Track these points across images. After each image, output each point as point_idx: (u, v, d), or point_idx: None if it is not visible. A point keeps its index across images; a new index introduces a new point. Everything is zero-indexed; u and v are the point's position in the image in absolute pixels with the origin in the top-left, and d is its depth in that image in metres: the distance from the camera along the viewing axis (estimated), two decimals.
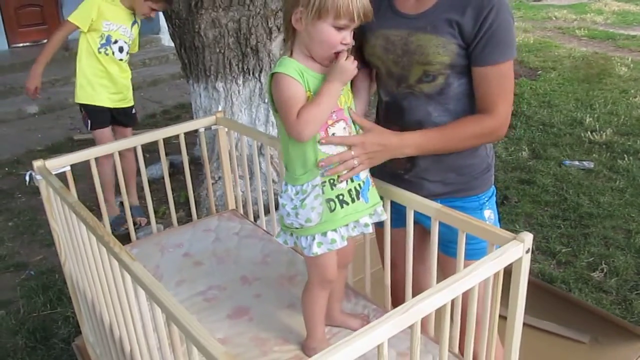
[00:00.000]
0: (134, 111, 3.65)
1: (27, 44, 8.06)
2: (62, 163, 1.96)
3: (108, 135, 3.46)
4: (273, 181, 3.32)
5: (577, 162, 4.33)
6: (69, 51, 7.77)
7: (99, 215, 1.91)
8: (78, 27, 3.27)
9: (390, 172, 1.60)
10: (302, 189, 1.39)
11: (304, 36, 1.35)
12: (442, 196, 1.60)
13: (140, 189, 3.64)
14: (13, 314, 2.88)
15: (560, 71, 6.86)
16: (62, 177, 1.88)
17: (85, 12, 3.25)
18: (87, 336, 2.13)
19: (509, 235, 1.27)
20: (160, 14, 3.63)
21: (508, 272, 1.27)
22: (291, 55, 1.39)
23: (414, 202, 1.52)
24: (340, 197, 1.40)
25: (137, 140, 2.22)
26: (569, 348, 2.36)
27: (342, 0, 1.28)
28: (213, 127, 2.32)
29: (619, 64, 7.01)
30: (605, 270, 2.99)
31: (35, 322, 2.80)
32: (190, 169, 2.44)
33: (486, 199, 1.65)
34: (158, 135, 2.25)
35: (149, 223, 2.64)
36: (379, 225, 1.70)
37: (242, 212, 2.48)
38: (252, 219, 2.42)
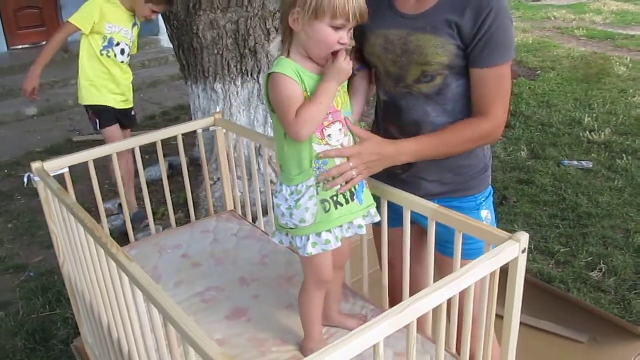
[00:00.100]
0: (133, 113, 3.66)
1: (26, 46, 8.07)
2: (60, 165, 1.96)
3: (118, 134, 3.46)
4: (271, 182, 3.32)
5: (576, 162, 4.34)
6: (68, 53, 7.79)
7: (97, 217, 1.91)
8: (79, 29, 3.26)
9: (387, 172, 1.60)
10: (297, 189, 1.40)
11: (301, 36, 1.36)
12: (439, 196, 1.60)
13: (139, 190, 3.65)
14: (12, 315, 2.88)
15: (559, 71, 6.87)
16: (60, 179, 1.88)
17: (87, 14, 3.24)
18: (86, 337, 2.13)
19: (505, 235, 1.28)
20: (160, 15, 3.63)
21: (506, 271, 1.27)
22: (288, 55, 1.39)
23: (411, 202, 1.52)
24: (335, 198, 1.41)
25: (135, 141, 2.22)
26: (567, 348, 2.36)
27: (338, 0, 1.28)
28: (211, 129, 2.33)
29: (617, 63, 7.02)
30: (603, 270, 2.99)
31: (35, 323, 2.80)
32: (189, 170, 2.45)
33: (483, 199, 1.65)
34: (156, 136, 2.25)
35: (147, 224, 2.64)
36: (377, 225, 1.71)
37: (240, 213, 2.49)
38: (251, 220, 2.42)
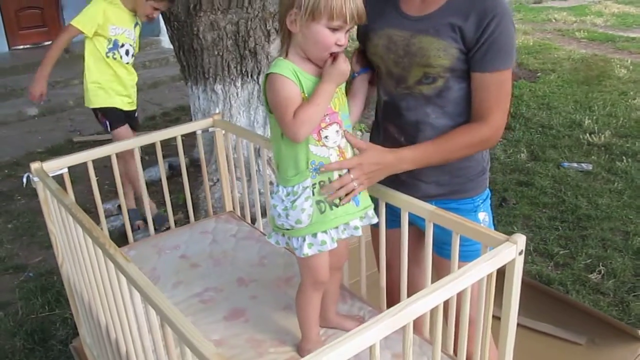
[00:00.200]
0: (136, 114, 3.66)
1: (28, 46, 8.09)
2: (59, 165, 1.96)
3: (129, 134, 3.44)
4: (270, 183, 3.32)
5: (575, 164, 4.34)
6: (69, 54, 7.77)
7: (96, 218, 1.92)
8: (82, 32, 3.24)
9: None
10: (293, 190, 1.41)
11: (299, 38, 1.36)
12: (437, 197, 1.61)
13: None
14: (11, 315, 2.88)
15: (559, 73, 6.87)
16: (60, 179, 1.89)
17: (90, 17, 3.22)
18: (85, 338, 2.13)
19: (502, 237, 1.28)
20: (160, 16, 3.63)
21: (503, 273, 1.28)
22: (286, 56, 1.40)
23: (409, 204, 1.53)
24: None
25: (135, 142, 2.23)
26: (565, 350, 2.36)
27: (335, 1, 1.29)
28: (210, 130, 2.33)
29: (618, 66, 7.02)
30: (602, 272, 2.99)
31: (34, 323, 2.81)
32: (189, 171, 2.46)
33: (481, 201, 1.65)
34: (155, 137, 2.25)
35: (146, 225, 2.64)
36: (375, 226, 1.71)
37: (239, 214, 2.49)
38: (250, 221, 2.43)
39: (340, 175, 1.42)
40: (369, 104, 1.69)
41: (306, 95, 1.36)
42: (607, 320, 2.45)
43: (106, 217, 2.95)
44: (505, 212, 3.66)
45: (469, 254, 1.45)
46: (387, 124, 1.63)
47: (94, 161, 2.07)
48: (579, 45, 8.47)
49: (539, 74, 6.89)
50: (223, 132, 2.34)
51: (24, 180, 1.92)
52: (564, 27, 9.72)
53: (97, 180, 2.12)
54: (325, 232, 1.42)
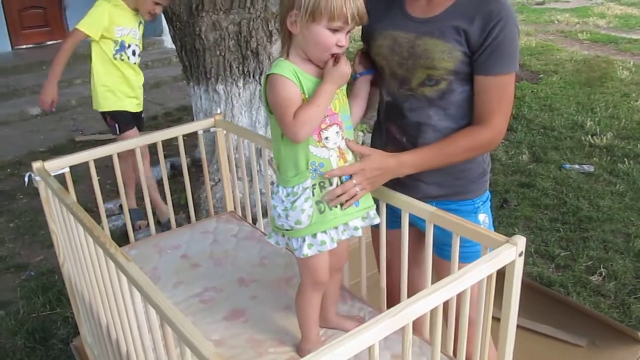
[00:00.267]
0: (142, 114, 3.66)
1: (30, 45, 8.10)
2: (61, 165, 1.97)
3: (137, 136, 3.44)
4: (272, 183, 3.33)
5: (577, 166, 4.33)
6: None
7: (97, 217, 1.92)
8: (88, 36, 3.21)
9: None
10: (293, 191, 1.41)
11: (300, 39, 1.37)
12: (437, 199, 1.61)
13: (138, 190, 3.66)
14: (13, 314, 2.89)
15: (561, 74, 6.86)
16: (61, 178, 1.89)
17: (95, 20, 3.19)
18: (85, 337, 2.14)
19: (502, 239, 1.28)
20: (162, 16, 3.63)
21: (504, 274, 1.28)
22: (287, 57, 1.40)
23: (410, 205, 1.53)
24: None
25: (136, 142, 2.23)
26: (566, 351, 2.36)
27: (335, 2, 1.29)
28: (212, 130, 2.34)
29: (620, 67, 7.01)
30: (603, 274, 2.99)
31: (35, 322, 2.81)
32: (191, 170, 2.46)
33: (481, 203, 1.66)
34: (157, 137, 2.26)
35: (148, 225, 2.65)
36: (375, 227, 1.71)
37: (240, 214, 2.49)
38: (251, 221, 2.43)
39: (341, 180, 1.42)
40: (372, 106, 1.69)
41: (306, 96, 1.36)
42: (607, 322, 2.45)
43: (107, 216, 2.96)
44: (506, 213, 3.66)
45: (469, 255, 1.46)
46: (389, 124, 1.63)
47: (95, 161, 2.08)
48: (581, 46, 8.46)
49: (541, 76, 6.89)
50: (224, 132, 2.34)
51: (26, 179, 1.92)
52: (567, 29, 9.71)
53: (98, 179, 2.12)
54: (324, 232, 1.42)
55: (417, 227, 1.68)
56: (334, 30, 1.33)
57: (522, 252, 1.26)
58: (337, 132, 1.41)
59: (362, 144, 4.26)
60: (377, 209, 1.57)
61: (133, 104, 3.46)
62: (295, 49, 1.39)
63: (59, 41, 8.23)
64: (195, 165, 4.32)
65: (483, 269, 1.21)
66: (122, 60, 3.33)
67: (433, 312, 1.18)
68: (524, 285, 1.34)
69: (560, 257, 3.16)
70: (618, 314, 2.68)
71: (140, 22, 3.41)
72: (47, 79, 3.31)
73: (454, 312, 1.43)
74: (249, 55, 3.40)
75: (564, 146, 4.74)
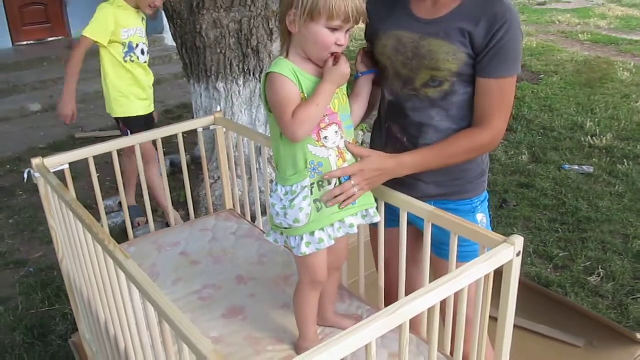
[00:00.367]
0: (153, 114, 3.65)
1: (31, 42, 8.10)
2: (60, 161, 1.97)
3: (148, 143, 3.41)
4: (271, 182, 3.34)
5: (576, 167, 4.33)
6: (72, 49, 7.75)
7: (96, 214, 1.92)
8: (96, 42, 3.17)
9: None
10: (292, 189, 1.41)
11: (299, 38, 1.37)
12: (436, 198, 1.61)
13: (138, 187, 3.67)
14: (11, 310, 2.89)
15: (562, 75, 6.86)
16: (61, 175, 1.90)
17: (101, 25, 3.15)
18: (84, 333, 2.14)
19: (500, 238, 1.28)
20: (163, 13, 3.63)
21: (501, 274, 1.28)
22: (287, 56, 1.40)
23: (408, 204, 1.53)
24: None
25: (136, 139, 2.23)
26: (564, 352, 2.36)
27: (334, 2, 1.29)
28: (211, 127, 2.34)
29: (621, 68, 7.01)
30: (602, 274, 3.00)
31: (34, 318, 2.82)
32: (191, 168, 2.46)
33: (479, 202, 1.66)
34: (157, 134, 2.26)
35: (147, 223, 2.65)
36: (374, 226, 1.72)
37: (240, 212, 2.50)
38: (250, 219, 2.43)
39: (340, 180, 1.43)
40: (374, 106, 1.69)
41: (305, 95, 1.37)
42: (605, 323, 2.45)
43: (107, 213, 2.96)
44: (505, 213, 3.66)
45: (467, 255, 1.46)
46: (391, 123, 1.64)
47: (95, 158, 2.08)
48: (582, 47, 8.46)
49: (541, 76, 6.89)
50: (224, 130, 2.34)
51: (26, 175, 1.93)
52: (568, 30, 9.71)
53: (98, 176, 2.13)
54: (322, 229, 1.43)
55: (416, 226, 1.68)
56: (333, 30, 1.33)
57: (520, 252, 1.26)
58: (336, 132, 1.42)
59: (362, 143, 4.27)
60: (377, 208, 1.57)
61: (145, 106, 3.43)
62: (295, 48, 1.40)
63: (59, 38, 8.24)
64: (195, 163, 4.32)
65: (481, 268, 1.21)
66: (133, 61, 3.29)
67: (431, 311, 1.19)
68: (521, 285, 1.35)
69: (559, 257, 3.16)
70: (616, 315, 2.69)
71: (143, 19, 3.39)
72: (63, 93, 3.26)
73: (452, 311, 1.43)
74: (250, 53, 3.41)
75: (564, 147, 4.74)
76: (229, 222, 2.38)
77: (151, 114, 3.55)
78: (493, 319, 1.32)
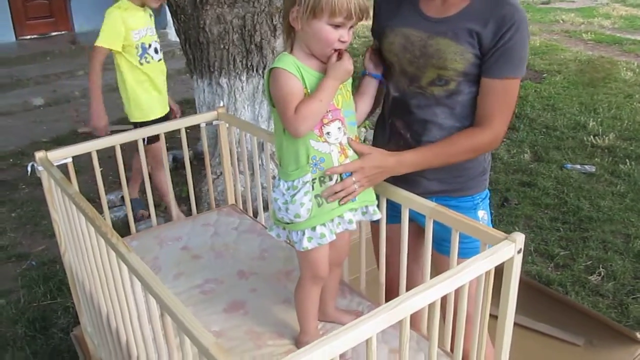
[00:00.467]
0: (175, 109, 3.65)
1: (35, 36, 8.11)
2: (63, 155, 1.98)
3: (162, 148, 3.40)
4: (273, 178, 3.35)
5: (578, 166, 4.33)
6: (75, 45, 7.78)
7: (99, 208, 1.93)
8: (111, 50, 3.14)
9: None
10: (293, 184, 1.42)
11: (302, 34, 1.37)
12: (438, 194, 1.62)
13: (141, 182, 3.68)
14: (13, 303, 2.91)
15: (565, 74, 6.85)
16: (64, 169, 1.90)
17: (112, 31, 3.11)
18: (86, 326, 2.15)
19: (501, 235, 1.29)
20: (167, 9, 3.63)
21: (501, 272, 1.28)
22: (291, 52, 1.41)
23: (410, 200, 1.54)
24: None
25: (138, 133, 2.24)
26: (563, 350, 2.36)
27: None
28: (214, 122, 2.34)
29: (624, 68, 7.00)
30: (602, 274, 3.00)
31: (35, 311, 2.83)
32: (193, 164, 2.47)
33: (480, 200, 1.67)
34: (160, 129, 2.27)
35: (149, 217, 2.66)
36: (375, 222, 1.72)
37: (242, 207, 2.50)
38: (252, 215, 2.44)
39: (341, 177, 1.43)
40: (379, 103, 1.70)
41: (309, 91, 1.37)
42: (605, 322, 2.46)
43: (109, 208, 2.97)
44: (507, 212, 3.67)
45: (468, 251, 1.46)
46: (395, 119, 1.64)
47: (97, 152, 2.09)
48: (585, 47, 8.44)
49: (544, 75, 6.88)
50: (227, 125, 2.35)
51: (29, 169, 1.93)
52: (571, 29, 9.68)
53: (100, 171, 2.13)
54: (323, 224, 1.44)
55: (417, 223, 1.69)
56: (336, 26, 1.34)
57: (520, 249, 1.27)
58: (339, 128, 1.42)
59: (364, 140, 4.27)
60: (378, 204, 1.58)
61: (162, 107, 3.40)
62: (298, 44, 1.40)
63: (63, 32, 8.24)
64: (197, 159, 4.33)
65: (482, 264, 1.21)
66: (148, 62, 3.25)
67: (431, 307, 1.19)
68: (522, 283, 1.35)
69: (560, 256, 3.17)
70: (616, 314, 2.69)
71: (151, 15, 3.37)
72: (92, 107, 3.22)
73: (452, 308, 1.44)
74: (253, 49, 3.41)
75: (566, 146, 4.74)
76: (230, 217, 2.39)
77: (167, 114, 3.53)
78: (493, 317, 1.33)
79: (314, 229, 1.43)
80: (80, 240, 1.71)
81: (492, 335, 1.39)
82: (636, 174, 4.18)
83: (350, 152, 1.46)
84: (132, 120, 3.36)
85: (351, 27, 1.37)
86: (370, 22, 1.66)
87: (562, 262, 3.12)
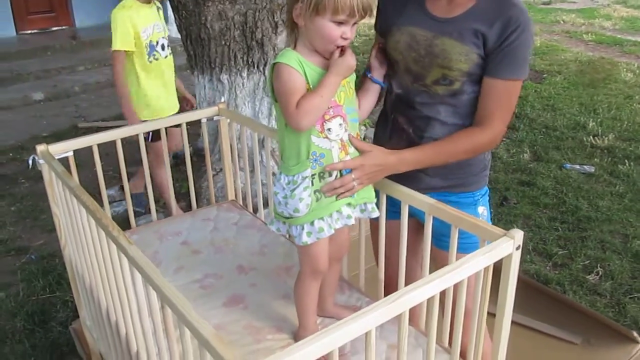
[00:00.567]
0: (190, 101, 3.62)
1: (35, 31, 8.09)
2: (64, 148, 1.98)
3: (163, 147, 3.39)
4: (273, 174, 3.35)
5: (577, 166, 4.34)
6: (76, 40, 7.77)
7: (99, 201, 1.94)
8: (127, 51, 3.15)
9: None
10: (293, 179, 1.43)
11: (305, 31, 1.38)
12: (439, 190, 1.63)
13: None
14: (13, 296, 2.91)
15: (565, 75, 6.86)
16: (65, 163, 1.91)
17: (124, 33, 3.11)
18: (85, 320, 2.16)
19: (500, 232, 1.30)
20: (168, 4, 3.63)
21: (499, 270, 1.29)
22: (294, 48, 1.42)
23: (409, 196, 1.54)
24: None
25: (139, 128, 2.24)
26: (561, 349, 2.37)
27: None
28: (215, 118, 2.35)
29: (624, 69, 7.00)
30: (600, 273, 3.01)
31: (34, 305, 2.83)
32: (192, 160, 2.47)
33: (480, 196, 1.68)
34: (161, 124, 2.28)
35: (150, 211, 2.66)
36: (375, 219, 1.73)
37: (241, 203, 2.51)
38: (252, 210, 2.44)
39: (340, 173, 1.44)
40: (381, 98, 1.70)
41: (311, 86, 1.38)
42: (603, 321, 2.47)
43: (109, 202, 2.97)
44: (505, 211, 3.67)
45: (467, 247, 1.47)
46: (397, 115, 1.65)
47: (98, 147, 2.09)
48: (586, 47, 8.45)
49: (545, 75, 6.88)
50: (228, 121, 2.35)
51: (30, 162, 1.94)
52: (572, 29, 9.69)
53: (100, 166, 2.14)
54: (322, 219, 1.44)
55: (416, 219, 1.69)
56: (339, 23, 1.34)
57: (519, 246, 1.28)
58: (340, 124, 1.43)
59: (364, 137, 4.27)
60: (377, 200, 1.58)
61: (169, 105, 3.40)
62: (302, 40, 1.41)
63: (64, 27, 8.23)
64: (197, 155, 4.33)
65: (480, 260, 1.22)
66: (157, 59, 3.26)
67: (430, 302, 1.19)
68: (520, 281, 1.36)
69: (558, 255, 3.18)
70: (613, 313, 2.70)
71: (159, 8, 3.36)
72: (125, 114, 3.25)
73: (450, 303, 1.44)
74: (254, 45, 3.41)
75: (566, 146, 4.75)
76: (230, 213, 2.40)
77: (177, 112, 3.51)
78: (491, 315, 1.34)
79: (312, 223, 1.44)
80: (81, 233, 1.71)
81: (490, 332, 1.40)
82: (635, 174, 4.18)
83: (351, 149, 1.47)
84: (143, 119, 3.36)
85: (354, 24, 1.37)
86: (372, 21, 1.67)
87: (560, 261, 3.13)
